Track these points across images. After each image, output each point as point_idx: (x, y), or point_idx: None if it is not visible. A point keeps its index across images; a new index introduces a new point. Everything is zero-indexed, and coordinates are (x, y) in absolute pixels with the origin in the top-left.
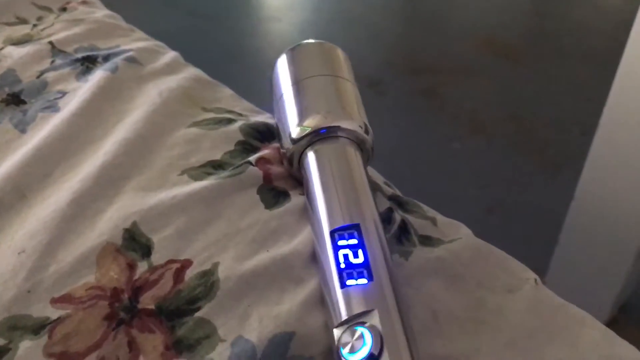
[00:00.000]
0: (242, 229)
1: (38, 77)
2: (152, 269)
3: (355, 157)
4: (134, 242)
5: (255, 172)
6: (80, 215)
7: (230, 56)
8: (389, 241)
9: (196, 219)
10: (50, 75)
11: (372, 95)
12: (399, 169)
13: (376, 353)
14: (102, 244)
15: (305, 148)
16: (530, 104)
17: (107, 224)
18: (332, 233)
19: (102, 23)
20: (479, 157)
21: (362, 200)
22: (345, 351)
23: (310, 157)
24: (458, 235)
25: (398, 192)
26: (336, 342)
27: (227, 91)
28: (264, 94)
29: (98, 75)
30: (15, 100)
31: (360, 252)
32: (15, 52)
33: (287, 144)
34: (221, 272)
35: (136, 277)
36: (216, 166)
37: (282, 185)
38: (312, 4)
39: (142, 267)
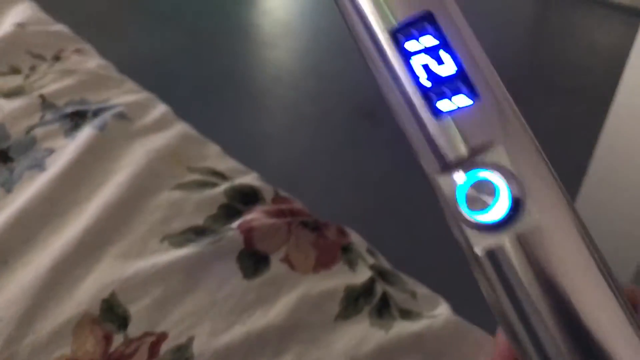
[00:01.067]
0: (220, 301)
1: (27, 132)
2: (128, 342)
3: None
4: (111, 313)
5: (237, 237)
6: (59, 283)
7: (223, 79)
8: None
9: (174, 289)
10: (39, 131)
11: (367, 126)
12: (394, 200)
13: (517, 207)
14: (80, 314)
15: None
16: None
17: (86, 293)
18: (393, 34)
19: (94, 74)
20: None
21: None
22: (469, 208)
23: None
24: (438, 311)
25: (381, 261)
26: (448, 197)
27: (214, 149)
28: (254, 117)
29: (86, 133)
30: (3, 157)
31: (445, 55)
32: (6, 106)
33: None
34: (196, 347)
35: (112, 350)
36: (198, 232)
37: (264, 247)
38: (309, 31)
39: (118, 339)
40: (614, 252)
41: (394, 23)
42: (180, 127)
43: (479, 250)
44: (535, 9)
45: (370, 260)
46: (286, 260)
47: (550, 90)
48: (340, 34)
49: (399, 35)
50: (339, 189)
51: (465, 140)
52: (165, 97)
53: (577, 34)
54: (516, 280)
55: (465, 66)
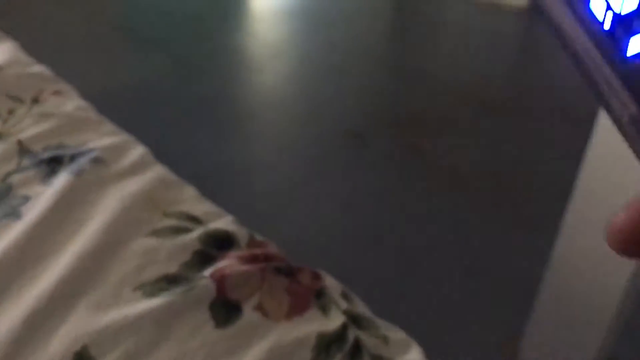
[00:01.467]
0: (191, 351)
1: (3, 180)
2: None
3: None
4: None
5: (209, 286)
6: (33, 336)
7: (211, 104)
8: None
9: (146, 340)
10: (15, 178)
11: (354, 149)
12: (379, 224)
13: None
14: None
15: None
16: (510, 160)
17: (59, 346)
18: None
19: (72, 117)
20: (459, 214)
21: None
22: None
23: None
24: (409, 356)
25: (355, 305)
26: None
27: (190, 192)
28: (242, 142)
29: (62, 179)
30: None
31: None
32: None
33: None
34: None
35: None
36: (171, 280)
37: (237, 295)
38: (296, 55)
39: None
40: (602, 265)
41: None
42: (157, 170)
43: None
44: (524, 28)
45: (344, 305)
46: (259, 308)
47: (538, 109)
48: (328, 56)
49: None
50: (328, 212)
51: None
52: (153, 122)
53: (562, 53)
54: None
55: None
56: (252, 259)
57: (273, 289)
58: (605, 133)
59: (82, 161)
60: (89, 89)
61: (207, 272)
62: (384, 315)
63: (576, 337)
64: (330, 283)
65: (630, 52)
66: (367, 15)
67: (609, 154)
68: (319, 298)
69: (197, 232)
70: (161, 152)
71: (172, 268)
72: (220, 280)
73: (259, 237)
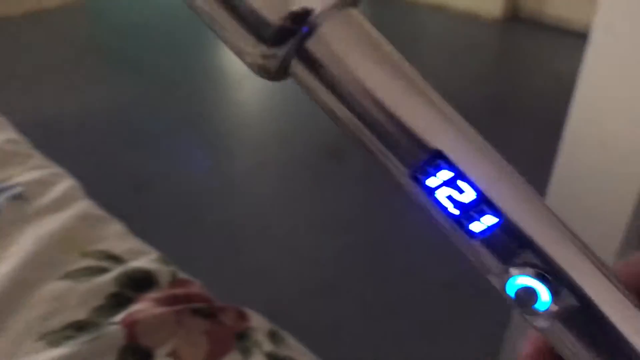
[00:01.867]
0: None
1: None
2: None
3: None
4: None
5: (118, 332)
6: None
7: (188, 124)
8: None
9: None
10: None
11: (332, 165)
12: (357, 239)
13: (553, 293)
14: None
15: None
16: None
17: None
18: (412, 176)
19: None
20: (437, 229)
21: (419, 101)
22: (523, 310)
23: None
24: None
25: (282, 345)
26: (503, 294)
27: (114, 228)
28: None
29: None
30: None
31: (463, 183)
32: None
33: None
34: None
35: None
36: (79, 327)
37: (149, 342)
38: None
39: None
40: None
41: (409, 167)
42: (81, 206)
43: (539, 325)
44: (499, 38)
45: (268, 347)
46: (173, 354)
47: (513, 117)
48: None
49: (417, 176)
50: (307, 229)
51: (499, 254)
52: (129, 145)
53: (539, 62)
54: None
55: (484, 189)
56: (172, 300)
57: (190, 333)
58: (573, 142)
59: (1, 198)
60: (58, 114)
61: (118, 317)
62: (363, 334)
63: None
64: (258, 323)
65: (475, 230)
66: None
67: (578, 162)
68: (241, 340)
69: (115, 272)
70: (139, 175)
71: (82, 314)
72: (131, 326)
73: (182, 275)
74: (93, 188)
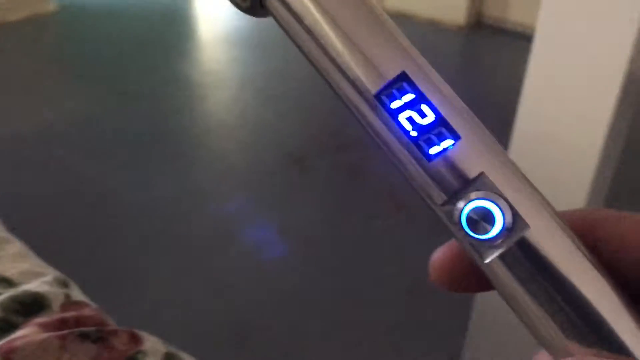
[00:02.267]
0: None
1: None
2: None
3: None
4: None
5: None
6: None
7: (154, 135)
8: None
9: None
10: None
11: (296, 172)
12: (320, 247)
13: (510, 224)
14: None
15: None
16: None
17: None
18: (377, 98)
19: None
20: (401, 236)
21: (386, 30)
22: (473, 231)
23: None
24: None
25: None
26: (453, 224)
27: (11, 249)
28: (186, 171)
29: None
30: None
31: (424, 107)
32: None
33: None
34: None
35: None
36: None
37: None
38: (238, 81)
39: None
40: None
41: (375, 89)
42: None
43: (487, 259)
44: (462, 45)
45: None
46: None
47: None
48: (268, 83)
49: (382, 97)
50: (268, 238)
51: (457, 175)
52: (94, 157)
53: (502, 66)
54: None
55: (443, 113)
56: (59, 325)
57: (75, 359)
58: (521, 137)
59: None
60: (24, 126)
61: None
62: (327, 344)
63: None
64: (152, 345)
65: (432, 152)
66: None
67: (526, 156)
68: None
69: (2, 297)
70: (103, 188)
71: None
72: (7, 355)
73: (76, 298)
74: (53, 200)
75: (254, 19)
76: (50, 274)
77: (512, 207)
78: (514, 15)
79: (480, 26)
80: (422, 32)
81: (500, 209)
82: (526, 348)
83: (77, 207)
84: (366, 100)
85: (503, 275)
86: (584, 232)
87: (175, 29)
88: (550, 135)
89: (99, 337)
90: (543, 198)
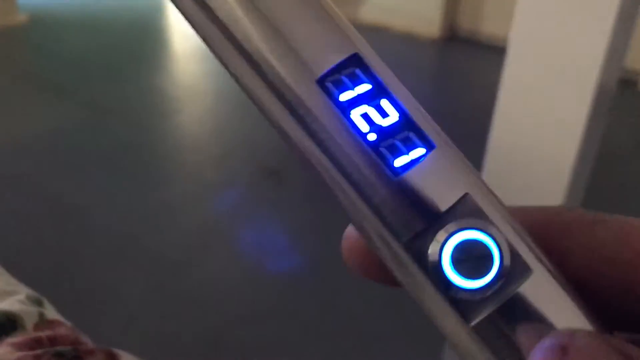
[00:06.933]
0: None
1: None
2: None
3: None
4: None
5: None
6: None
7: (125, 149)
8: None
9: None
10: None
11: (271, 185)
12: (298, 261)
13: (508, 266)
14: None
15: None
16: None
17: None
18: (320, 83)
19: None
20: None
21: (337, 13)
22: (457, 278)
23: None
24: None
25: None
26: (424, 269)
27: None
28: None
29: None
30: None
31: (385, 103)
32: None
33: None
34: None
35: None
36: None
37: None
38: (213, 95)
39: None
40: None
41: (321, 70)
42: None
43: (474, 321)
44: (437, 57)
45: None
46: None
47: (450, 131)
48: (242, 94)
49: (327, 82)
50: (244, 254)
51: (433, 197)
52: (66, 173)
53: (475, 78)
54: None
55: (409, 111)
56: (33, 344)
57: None
58: (496, 147)
59: None
60: None
61: None
62: (306, 356)
63: None
64: None
65: (398, 163)
66: None
67: (501, 165)
68: None
69: None
70: (73, 203)
71: None
72: None
73: (50, 316)
74: (22, 216)
75: None
76: (23, 292)
77: (510, 244)
78: (488, 27)
79: (454, 38)
80: (396, 44)
81: (497, 244)
82: None
83: (46, 223)
84: (304, 87)
85: (480, 342)
86: (553, 237)
87: (149, 41)
88: (525, 145)
89: (75, 355)
90: (524, 229)
